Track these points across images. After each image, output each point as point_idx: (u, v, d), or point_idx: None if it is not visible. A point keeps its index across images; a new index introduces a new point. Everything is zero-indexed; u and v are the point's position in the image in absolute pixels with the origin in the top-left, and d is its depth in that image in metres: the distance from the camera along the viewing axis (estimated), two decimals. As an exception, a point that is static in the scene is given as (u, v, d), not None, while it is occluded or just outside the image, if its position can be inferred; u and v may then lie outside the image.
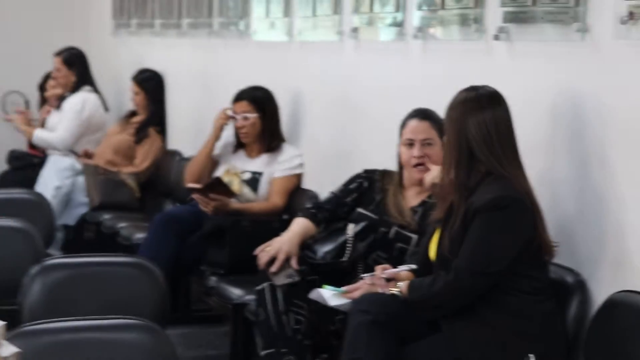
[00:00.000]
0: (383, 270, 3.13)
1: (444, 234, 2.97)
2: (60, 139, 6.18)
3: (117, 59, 7.46)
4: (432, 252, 3.06)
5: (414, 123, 3.50)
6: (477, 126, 2.94)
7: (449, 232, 2.94)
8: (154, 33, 6.72)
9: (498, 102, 2.98)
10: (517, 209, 2.87)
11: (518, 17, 3.25)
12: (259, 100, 4.69)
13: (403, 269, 3.14)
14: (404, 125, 3.54)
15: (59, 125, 6.24)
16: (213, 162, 4.85)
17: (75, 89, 6.34)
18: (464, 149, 2.95)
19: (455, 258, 2.91)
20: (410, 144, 3.49)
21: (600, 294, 2.94)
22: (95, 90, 6.46)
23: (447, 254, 2.93)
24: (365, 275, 3.19)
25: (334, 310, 3.32)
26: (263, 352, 3.40)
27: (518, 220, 2.88)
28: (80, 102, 6.29)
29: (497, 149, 2.93)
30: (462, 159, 2.95)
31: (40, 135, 6.30)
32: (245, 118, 4.67)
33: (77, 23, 7.94)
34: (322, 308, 3.38)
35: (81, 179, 6.03)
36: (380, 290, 3.08)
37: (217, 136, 4.82)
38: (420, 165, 3.47)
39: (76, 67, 6.41)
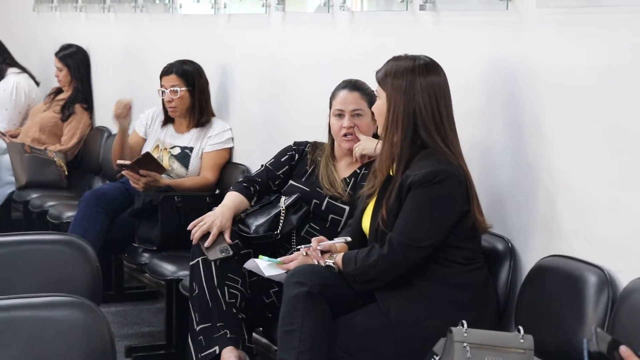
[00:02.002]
0: (319, 242, 3.14)
1: (379, 206, 2.97)
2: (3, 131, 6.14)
3: (40, 35, 7.32)
4: (366, 224, 3.07)
5: (344, 94, 3.51)
6: (428, 97, 2.91)
7: (384, 205, 2.94)
8: (77, 8, 6.61)
9: (440, 71, 2.97)
10: (452, 183, 2.88)
11: (444, -13, 3.28)
12: (188, 74, 4.66)
13: (338, 241, 3.16)
14: (334, 96, 3.55)
15: None
16: (139, 140, 4.81)
17: (1, 73, 6.30)
18: (411, 120, 2.91)
19: (390, 231, 2.93)
20: (340, 114, 3.51)
21: (531, 260, 2.99)
22: (22, 68, 6.40)
23: (383, 227, 2.94)
24: (301, 246, 3.20)
25: (268, 283, 3.33)
26: (198, 327, 3.39)
27: (452, 195, 2.89)
28: (12, 88, 6.24)
29: (445, 121, 2.92)
30: (408, 131, 2.92)
31: None
32: (174, 92, 4.63)
33: (-3, -1, 7.79)
34: (256, 281, 3.39)
35: (6, 158, 5.93)
36: (315, 262, 3.09)
37: (123, 128, 4.74)
38: (350, 134, 3.49)
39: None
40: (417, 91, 2.91)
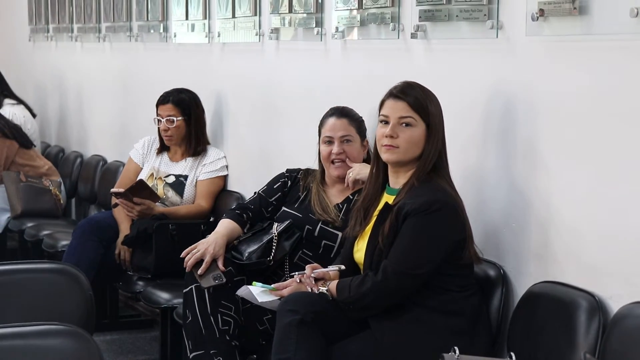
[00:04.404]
0: (312, 270, 3.15)
1: (375, 234, 2.97)
2: None
3: (36, 65, 7.36)
4: (358, 254, 3.08)
5: (332, 120, 3.55)
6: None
7: (381, 233, 2.95)
8: (72, 37, 6.65)
9: None
10: (448, 212, 2.89)
11: (434, 15, 3.30)
12: (185, 103, 4.67)
13: (332, 269, 3.16)
14: (322, 123, 3.59)
15: None
16: (136, 168, 4.81)
17: None
18: (442, 147, 3.00)
19: (385, 259, 2.93)
20: (330, 141, 3.53)
21: (523, 286, 2.99)
22: (19, 100, 6.37)
23: (378, 254, 2.95)
24: (294, 273, 3.20)
25: (262, 310, 3.34)
26: (192, 355, 3.39)
27: (448, 224, 2.90)
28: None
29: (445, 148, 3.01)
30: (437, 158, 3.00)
31: None
32: (170, 121, 4.65)
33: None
34: (250, 308, 3.40)
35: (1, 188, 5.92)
36: (309, 289, 3.09)
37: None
38: (339, 161, 3.51)
39: None
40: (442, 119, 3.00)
